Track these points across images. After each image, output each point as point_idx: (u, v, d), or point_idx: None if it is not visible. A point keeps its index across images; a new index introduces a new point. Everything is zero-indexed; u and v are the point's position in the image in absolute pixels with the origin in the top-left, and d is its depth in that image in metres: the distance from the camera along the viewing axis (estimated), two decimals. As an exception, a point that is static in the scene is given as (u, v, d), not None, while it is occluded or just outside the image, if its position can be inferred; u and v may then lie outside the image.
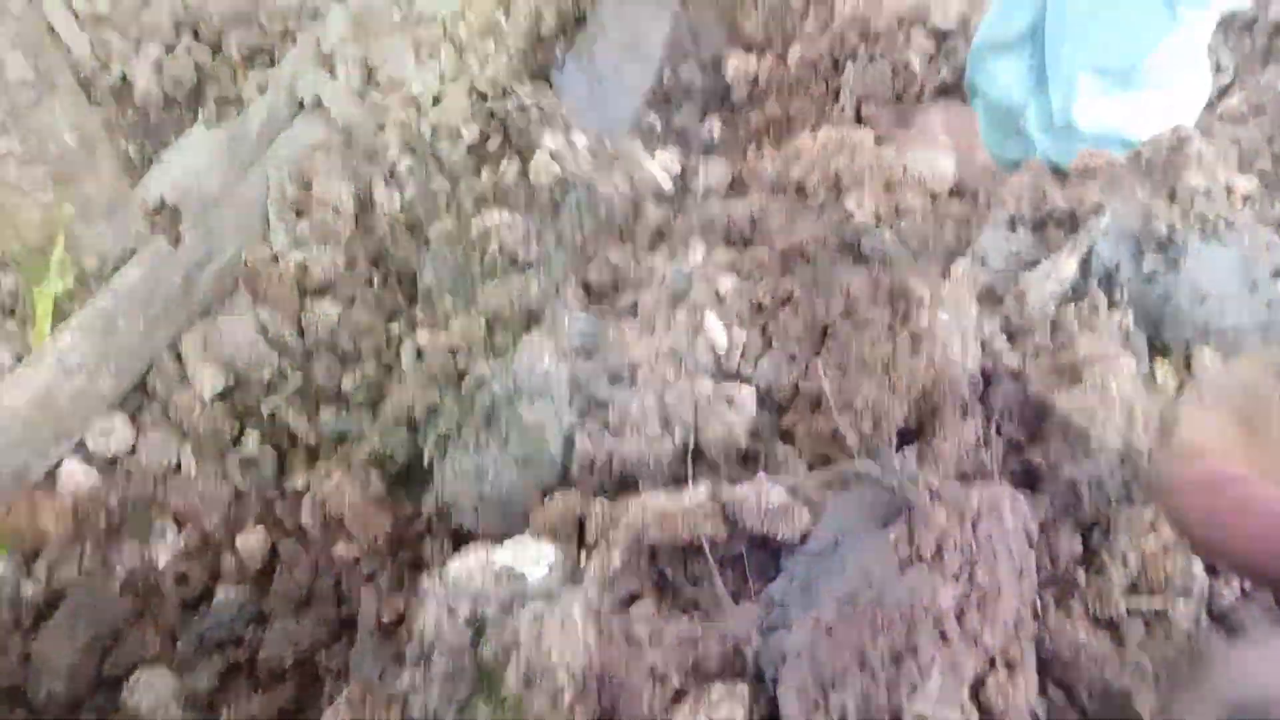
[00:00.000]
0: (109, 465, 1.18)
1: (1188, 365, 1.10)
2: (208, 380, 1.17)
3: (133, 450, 1.18)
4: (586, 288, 1.26)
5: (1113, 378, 1.03)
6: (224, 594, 1.13)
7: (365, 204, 1.40)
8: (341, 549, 1.10)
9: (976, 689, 0.75)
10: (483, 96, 1.64)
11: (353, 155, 1.45)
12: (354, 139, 1.49)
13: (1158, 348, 1.11)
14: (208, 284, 1.26)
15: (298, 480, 1.17)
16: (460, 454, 0.98)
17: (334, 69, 1.61)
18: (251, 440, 1.18)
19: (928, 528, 0.73)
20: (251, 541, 1.15)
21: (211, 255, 1.27)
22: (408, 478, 1.14)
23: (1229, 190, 1.10)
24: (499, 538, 0.96)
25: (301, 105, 1.56)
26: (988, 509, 0.77)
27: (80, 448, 1.17)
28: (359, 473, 1.11)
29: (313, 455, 1.19)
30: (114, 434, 1.17)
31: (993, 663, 0.77)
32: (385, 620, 0.99)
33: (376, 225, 1.37)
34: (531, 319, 1.20)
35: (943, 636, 0.71)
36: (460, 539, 0.97)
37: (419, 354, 1.16)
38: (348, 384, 1.20)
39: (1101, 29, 1.30)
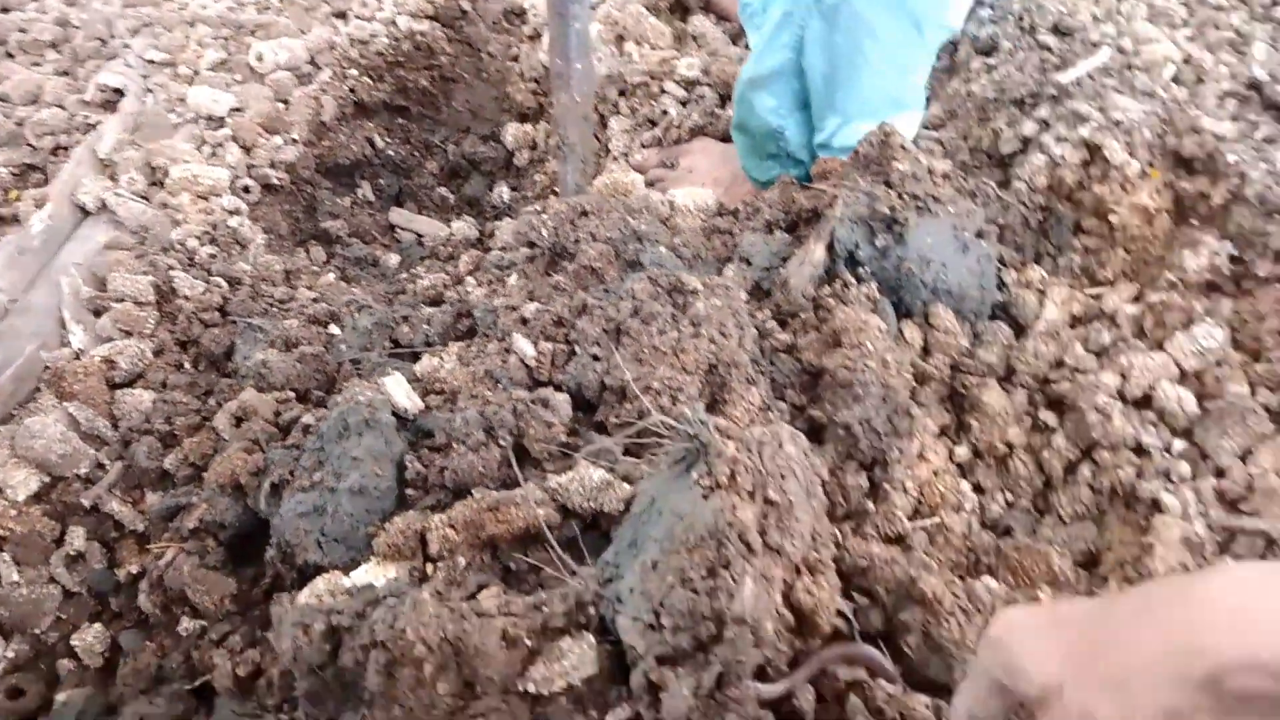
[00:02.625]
0: (-83, 588, 1.12)
1: (928, 320, 1.30)
2: (20, 483, 1.14)
3: (-56, 569, 1.13)
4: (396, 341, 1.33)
5: (867, 339, 1.20)
6: (64, 698, 1.09)
7: (166, 294, 1.42)
8: (187, 623, 1.09)
9: (787, 594, 0.87)
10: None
11: (147, 250, 1.47)
12: (147, 236, 1.51)
13: (901, 310, 1.31)
14: (6, 390, 1.24)
15: (131, 567, 1.16)
16: (296, 497, 1.02)
17: (115, 174, 1.62)
18: (76, 537, 1.16)
19: (721, 459, 0.85)
20: (89, 639, 1.12)
21: (8, 362, 1.25)
22: (245, 545, 1.15)
23: (931, 171, 1.33)
24: (346, 569, 1.00)
25: (86, 212, 1.56)
26: (770, 439, 0.90)
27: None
28: (193, 545, 1.12)
29: (143, 540, 1.18)
30: (-81, 555, 1.12)
31: (798, 570, 0.89)
32: (242, 675, 1.00)
33: (180, 311, 1.39)
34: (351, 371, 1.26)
35: (749, 548, 0.82)
36: (308, 577, 1.00)
37: (237, 421, 1.18)
38: (170, 464, 1.20)
39: (869, 64, 1.53)
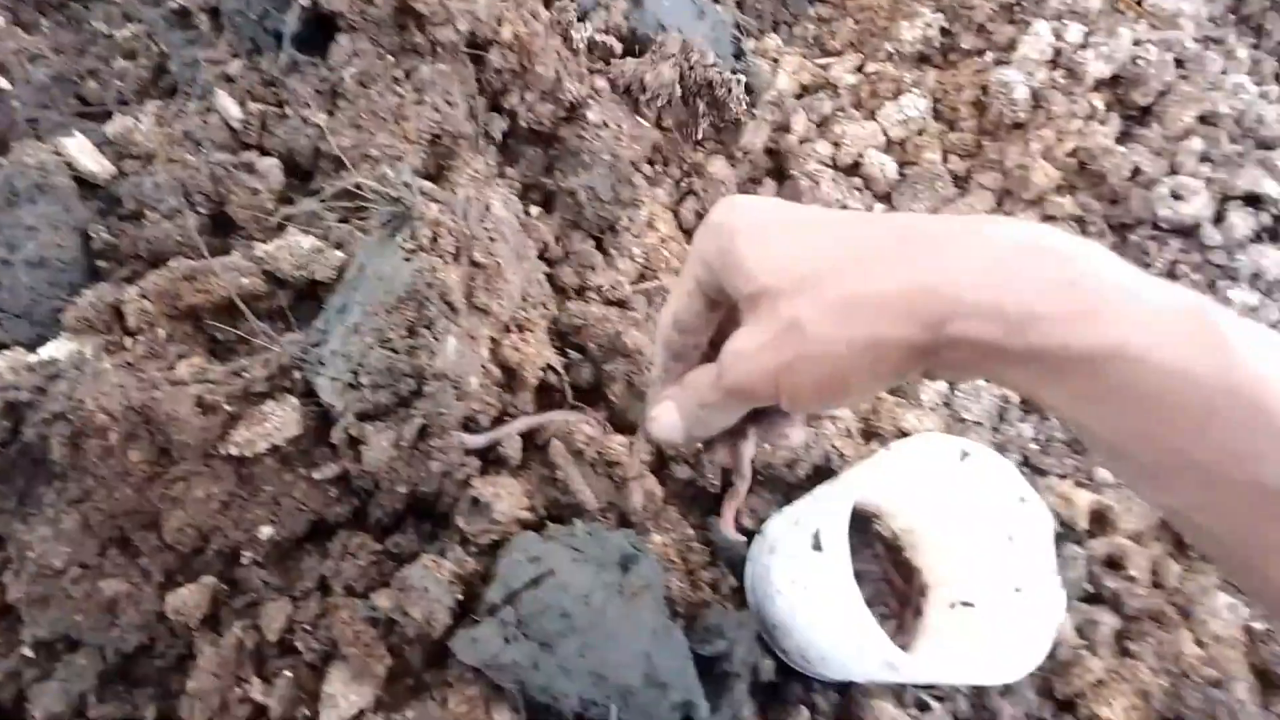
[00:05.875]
0: None
1: (661, 87, 1.30)
2: None
3: None
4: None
5: (598, 111, 1.19)
6: None
7: None
8: None
9: (495, 351, 0.91)
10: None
11: None
12: None
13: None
14: None
15: None
16: (-38, 272, 0.92)
17: None
18: None
19: (424, 222, 0.84)
20: None
21: None
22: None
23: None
24: (33, 345, 0.93)
25: None
26: (477, 202, 0.90)
27: None
28: None
29: None
30: None
31: (507, 328, 0.92)
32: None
33: None
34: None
35: (451, 308, 0.83)
36: (-11, 359, 0.92)
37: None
38: None
39: None
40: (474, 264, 0.87)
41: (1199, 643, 0.99)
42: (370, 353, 0.79)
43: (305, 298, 0.99)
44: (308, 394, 0.85)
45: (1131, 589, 1.01)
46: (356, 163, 1.04)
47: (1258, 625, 1.02)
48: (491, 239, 0.89)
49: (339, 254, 0.96)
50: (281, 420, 0.81)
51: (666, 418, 0.53)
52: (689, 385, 0.51)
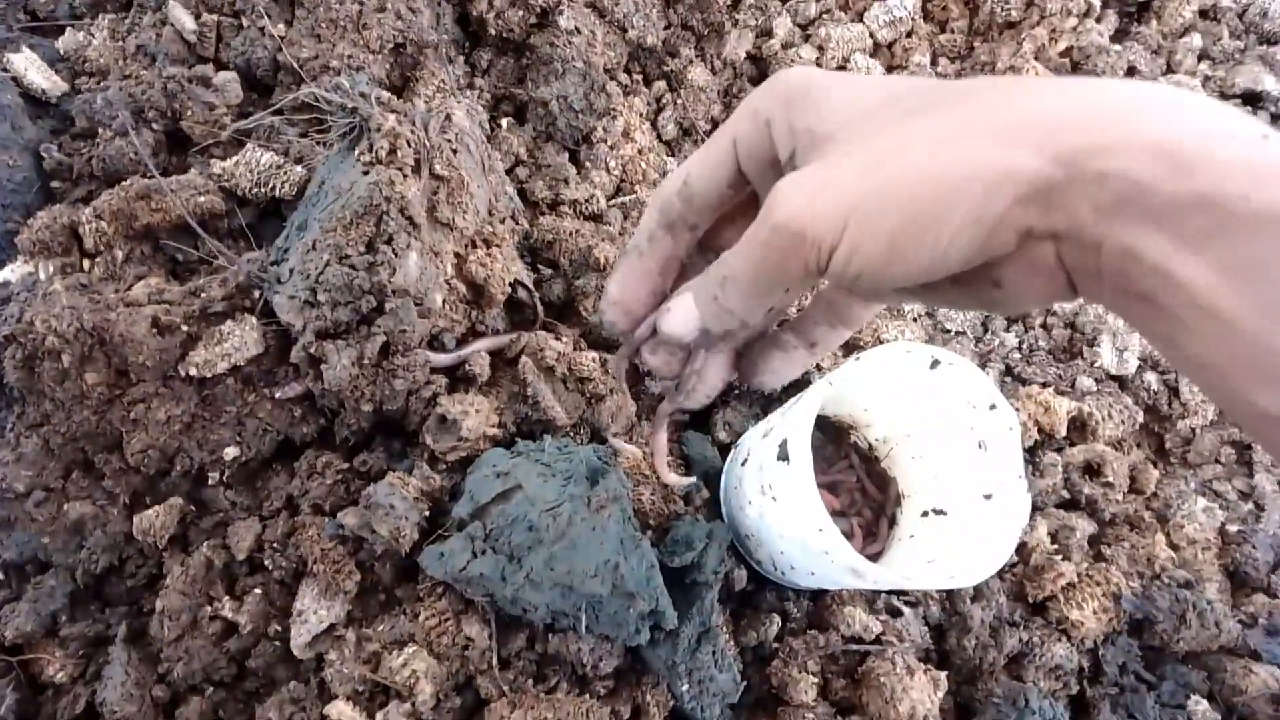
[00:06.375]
0: None
1: None
2: None
3: None
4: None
5: (570, 17, 1.15)
6: None
7: None
8: None
9: (460, 267, 0.89)
10: None
11: None
12: None
13: None
14: None
15: None
16: (-86, 195, 0.90)
17: None
18: None
19: (381, 133, 0.81)
20: None
21: None
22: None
23: None
24: (-10, 270, 0.92)
25: None
26: (438, 112, 0.87)
27: None
28: None
29: None
30: None
31: (472, 244, 0.90)
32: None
33: None
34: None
35: (412, 222, 0.81)
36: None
37: None
38: None
39: None
40: (435, 176, 0.84)
41: (1172, 545, 1.00)
42: (328, 269, 0.77)
43: (269, 215, 0.97)
44: (268, 313, 0.83)
45: (1108, 494, 1.00)
46: (317, 74, 1.01)
47: (1232, 528, 1.02)
48: (454, 150, 0.86)
49: (300, 169, 0.94)
50: (241, 340, 0.80)
51: (680, 310, 0.45)
52: (711, 270, 0.41)
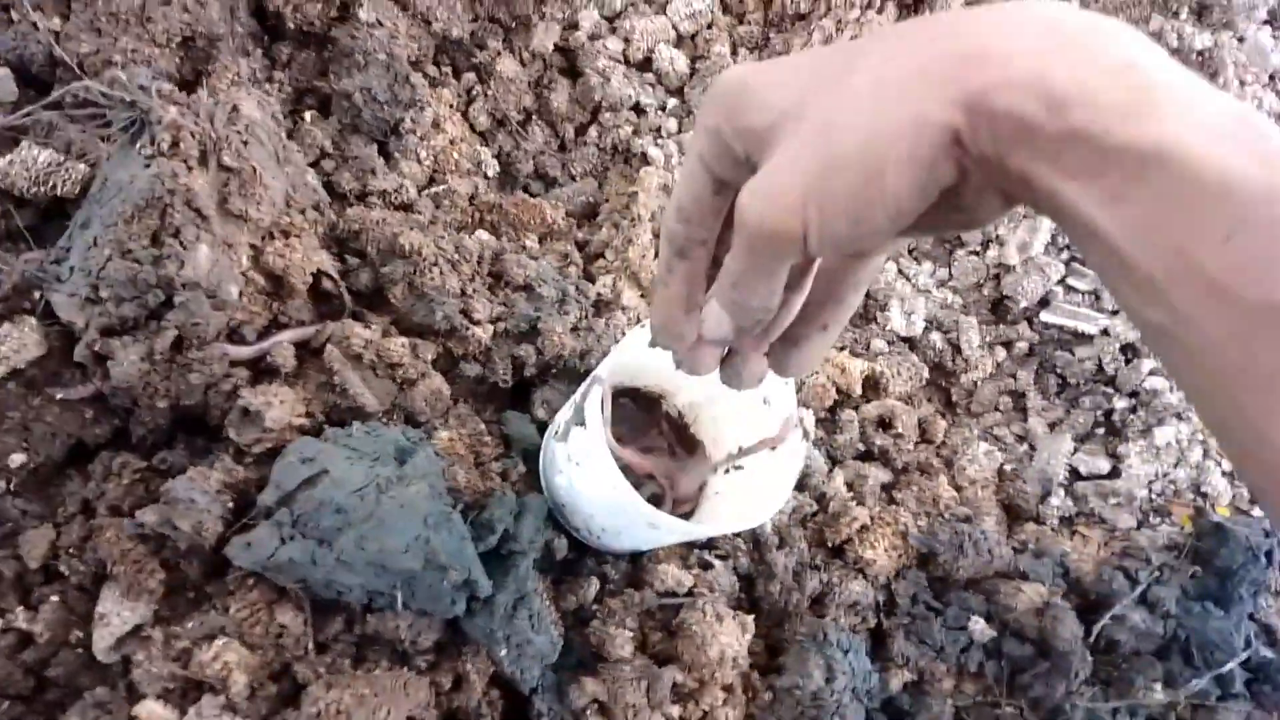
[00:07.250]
0: None
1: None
2: None
3: None
4: None
5: (370, 9, 1.15)
6: None
7: None
8: None
9: (257, 258, 0.88)
10: None
11: None
12: None
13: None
14: None
15: None
16: None
17: None
18: None
19: (162, 126, 0.80)
20: None
21: None
22: None
23: None
24: None
25: None
26: (224, 104, 0.86)
27: None
28: None
29: None
30: None
31: (270, 235, 0.90)
32: None
33: None
34: None
35: (200, 215, 0.81)
36: None
37: None
38: None
39: None
40: (224, 168, 0.84)
41: (956, 486, 1.10)
42: (110, 264, 0.76)
43: (53, 216, 0.93)
44: (50, 315, 0.81)
45: (899, 444, 1.10)
46: (99, 69, 0.97)
47: (1008, 467, 1.13)
48: (245, 142, 0.86)
49: (84, 167, 0.90)
50: (20, 342, 0.77)
51: (712, 315, 0.47)
52: (721, 277, 0.45)
